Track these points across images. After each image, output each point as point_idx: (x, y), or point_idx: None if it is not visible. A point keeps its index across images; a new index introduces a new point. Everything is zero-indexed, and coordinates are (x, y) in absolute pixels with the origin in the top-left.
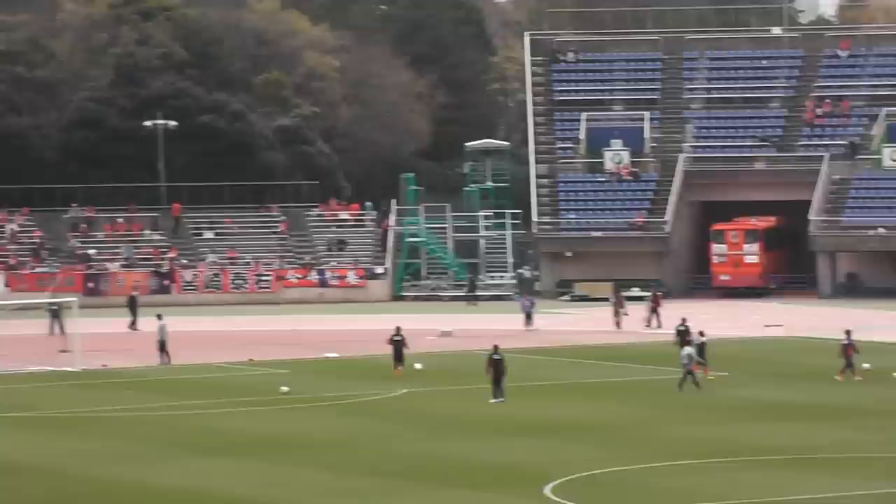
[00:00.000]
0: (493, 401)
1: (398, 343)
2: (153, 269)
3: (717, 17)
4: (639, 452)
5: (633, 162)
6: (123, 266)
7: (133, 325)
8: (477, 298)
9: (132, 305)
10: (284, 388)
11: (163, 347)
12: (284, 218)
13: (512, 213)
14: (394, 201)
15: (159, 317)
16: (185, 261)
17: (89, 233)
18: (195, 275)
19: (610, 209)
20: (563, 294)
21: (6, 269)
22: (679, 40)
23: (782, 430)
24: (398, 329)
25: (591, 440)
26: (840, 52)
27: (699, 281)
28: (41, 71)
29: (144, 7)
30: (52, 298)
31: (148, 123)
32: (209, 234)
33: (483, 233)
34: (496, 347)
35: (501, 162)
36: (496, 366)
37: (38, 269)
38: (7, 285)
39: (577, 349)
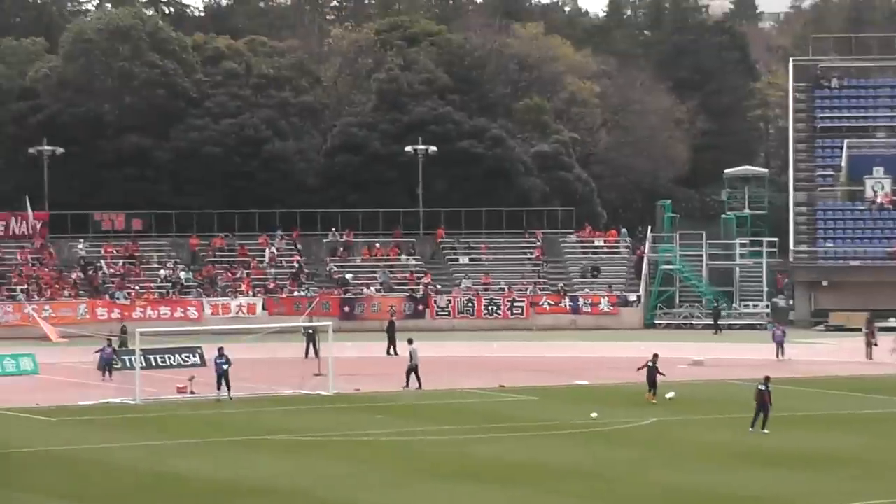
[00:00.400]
0: (751, 430)
1: (652, 370)
2: (408, 293)
3: None
4: (892, 487)
5: (894, 190)
6: (379, 290)
7: (390, 350)
8: (719, 328)
9: (390, 330)
10: (594, 415)
11: (413, 372)
12: (539, 244)
13: (768, 241)
14: (649, 228)
15: (410, 342)
16: (439, 286)
17: (347, 257)
18: (449, 300)
19: (869, 238)
20: (817, 324)
21: (265, 293)
22: None
23: None
24: (655, 356)
25: (843, 473)
26: None
27: None
28: (306, 96)
29: (410, 33)
30: (309, 322)
31: (409, 148)
32: (464, 260)
33: (738, 261)
34: (766, 378)
35: (760, 189)
36: (759, 397)
37: (295, 293)
38: (265, 308)
39: (829, 380)
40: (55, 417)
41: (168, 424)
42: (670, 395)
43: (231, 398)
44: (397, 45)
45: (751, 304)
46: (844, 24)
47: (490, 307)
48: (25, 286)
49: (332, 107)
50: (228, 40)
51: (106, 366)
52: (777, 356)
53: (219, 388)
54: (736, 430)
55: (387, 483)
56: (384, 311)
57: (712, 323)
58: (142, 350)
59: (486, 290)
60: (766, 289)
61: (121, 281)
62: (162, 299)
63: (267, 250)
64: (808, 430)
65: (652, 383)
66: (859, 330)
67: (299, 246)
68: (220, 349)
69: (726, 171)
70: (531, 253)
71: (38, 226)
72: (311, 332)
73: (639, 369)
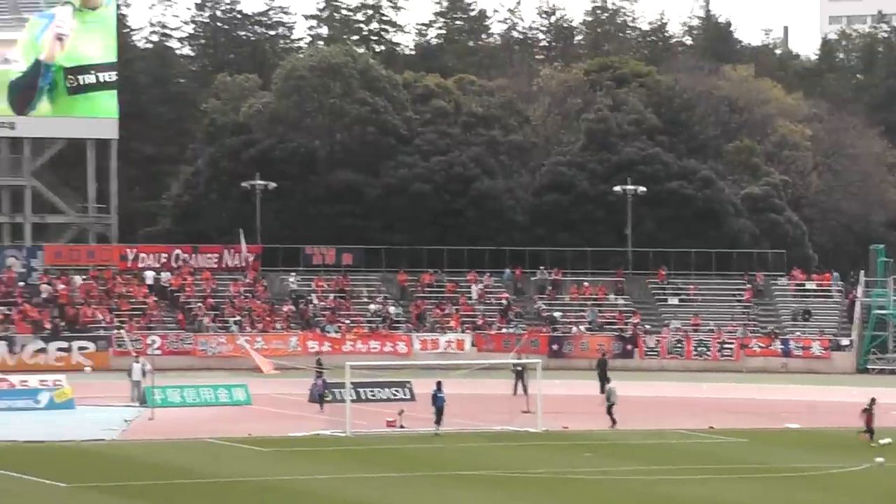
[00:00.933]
0: None
1: (867, 412)
2: (617, 333)
3: None
4: None
5: None
6: (587, 329)
7: (603, 389)
8: None
9: (602, 368)
10: (880, 459)
11: (610, 410)
12: (749, 286)
13: None
14: (862, 272)
15: (608, 380)
16: (648, 326)
17: (556, 295)
18: (658, 340)
19: None
20: None
21: (473, 329)
22: None
23: None
24: (872, 400)
25: None
26: None
27: None
28: (515, 135)
29: (619, 74)
30: (517, 359)
31: (618, 188)
32: (674, 300)
33: None
34: None
35: None
36: None
37: (504, 330)
38: (473, 345)
39: None
40: (267, 448)
41: (377, 457)
42: (886, 441)
43: (437, 432)
44: (607, 86)
45: None
46: None
47: (699, 348)
48: (238, 318)
49: (540, 146)
50: (438, 79)
51: (318, 398)
52: None
53: (436, 422)
54: None
55: None
56: (592, 350)
57: None
58: (352, 383)
59: (695, 331)
60: None
61: (331, 314)
62: (372, 333)
63: (474, 287)
64: None
65: (868, 426)
66: None
67: (520, 284)
68: (439, 383)
69: None
70: (741, 295)
71: (251, 259)
72: (519, 369)
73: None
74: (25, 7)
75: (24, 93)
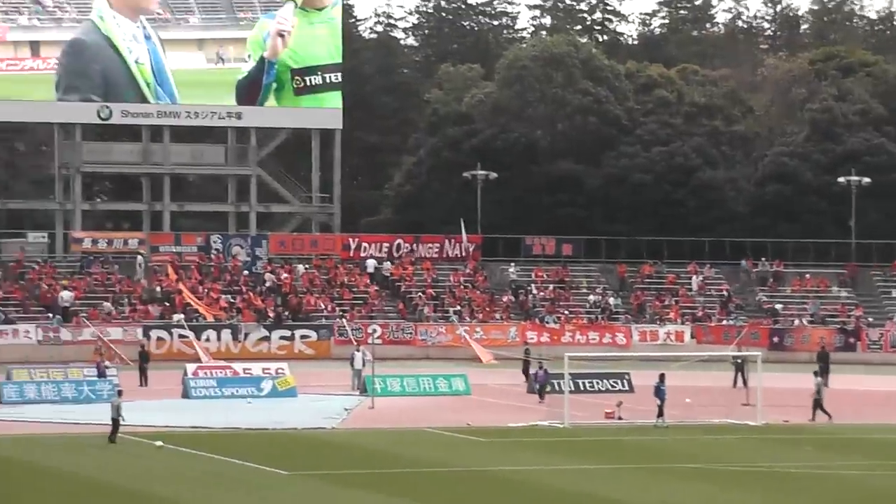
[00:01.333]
0: None
1: None
2: (839, 326)
3: None
4: None
5: None
6: (809, 322)
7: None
8: None
9: (824, 361)
10: None
11: (818, 405)
12: None
13: None
14: None
15: (816, 374)
16: (871, 319)
17: (777, 287)
18: (881, 334)
19: None
20: None
21: (692, 321)
22: None
23: None
24: None
25: None
26: None
27: None
28: (738, 125)
29: (845, 63)
30: (737, 351)
31: (842, 179)
32: None
33: None
34: None
35: None
36: None
37: (724, 322)
38: (693, 337)
39: None
40: (485, 438)
41: (595, 449)
42: None
43: (662, 425)
44: (832, 75)
45: None
46: None
47: None
48: (458, 308)
49: (763, 136)
50: (661, 68)
51: (537, 389)
52: None
53: (658, 415)
54: None
55: None
56: (814, 343)
57: None
58: (571, 374)
59: None
60: None
61: (551, 305)
62: (591, 324)
63: (694, 278)
64: None
65: None
66: None
67: (719, 274)
68: (662, 376)
69: None
70: None
71: (472, 249)
72: (739, 361)
73: None
74: (240, 6)
75: (250, 90)
